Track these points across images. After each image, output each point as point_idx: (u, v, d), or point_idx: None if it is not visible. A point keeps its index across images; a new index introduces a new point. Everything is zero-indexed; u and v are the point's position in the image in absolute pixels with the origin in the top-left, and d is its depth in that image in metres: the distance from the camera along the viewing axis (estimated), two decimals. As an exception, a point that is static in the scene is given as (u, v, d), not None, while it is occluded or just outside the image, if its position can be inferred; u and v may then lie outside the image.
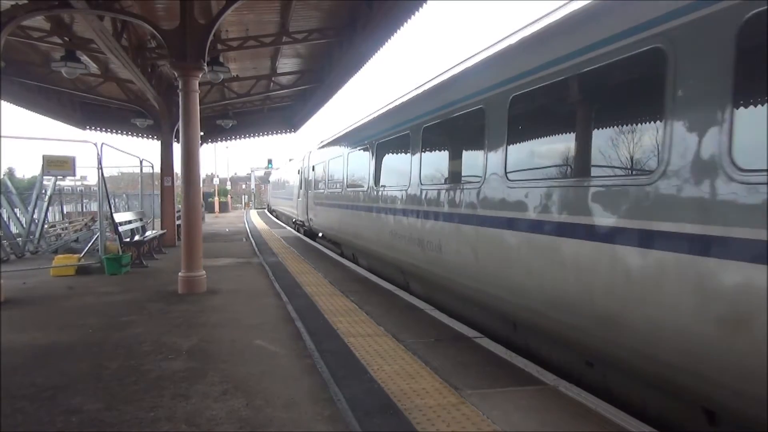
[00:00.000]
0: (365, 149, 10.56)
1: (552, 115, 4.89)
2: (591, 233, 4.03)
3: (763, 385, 2.78)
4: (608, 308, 3.87)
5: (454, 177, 6.65)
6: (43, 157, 10.40)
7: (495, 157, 5.47)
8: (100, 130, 18.64)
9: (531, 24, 5.49)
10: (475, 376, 4.35)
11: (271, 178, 44.64)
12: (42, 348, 5.40)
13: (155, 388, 4.22)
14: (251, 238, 17.81)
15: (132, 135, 19.02)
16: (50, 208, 15.87)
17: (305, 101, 18.75)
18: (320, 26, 11.81)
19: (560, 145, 4.71)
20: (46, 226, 14.96)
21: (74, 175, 11.74)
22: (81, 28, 10.47)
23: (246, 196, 65.59)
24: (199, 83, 8.78)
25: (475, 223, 5.82)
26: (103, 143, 10.95)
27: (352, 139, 12.13)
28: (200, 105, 8.91)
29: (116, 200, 20.74)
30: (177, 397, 4.03)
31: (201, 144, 9.44)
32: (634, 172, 3.76)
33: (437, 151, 7.50)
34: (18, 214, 14.63)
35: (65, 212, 19.99)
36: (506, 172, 5.27)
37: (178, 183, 14.70)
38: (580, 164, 4.34)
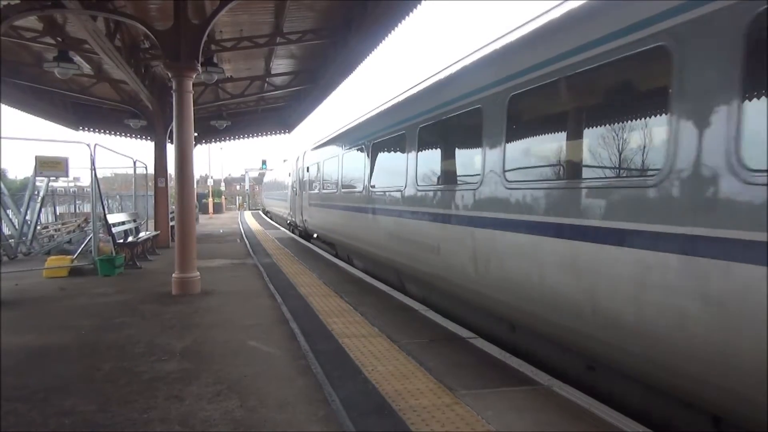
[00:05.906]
0: (268, 181, 40.26)
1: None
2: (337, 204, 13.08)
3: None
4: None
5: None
6: (36, 157, 10.34)
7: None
8: (94, 131, 18.52)
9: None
10: (470, 377, 4.36)
11: (264, 181, 55.02)
12: (34, 349, 5.37)
13: (149, 389, 4.20)
14: (245, 239, 17.77)
15: (125, 136, 18.91)
16: (43, 210, 15.77)
17: (300, 102, 18.74)
18: (315, 27, 11.81)
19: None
20: (38, 227, 14.87)
21: (67, 176, 11.68)
22: (74, 29, 10.41)
23: (240, 197, 65.41)
24: (193, 84, 8.75)
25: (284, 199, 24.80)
26: (96, 144, 10.96)
27: (265, 179, 45.62)
28: (194, 106, 8.88)
29: (109, 201, 20.57)
30: (170, 398, 4.02)
31: (195, 145, 9.41)
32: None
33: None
34: (10, 216, 14.51)
35: (58, 213, 19.84)
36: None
37: (172, 184, 14.65)
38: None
